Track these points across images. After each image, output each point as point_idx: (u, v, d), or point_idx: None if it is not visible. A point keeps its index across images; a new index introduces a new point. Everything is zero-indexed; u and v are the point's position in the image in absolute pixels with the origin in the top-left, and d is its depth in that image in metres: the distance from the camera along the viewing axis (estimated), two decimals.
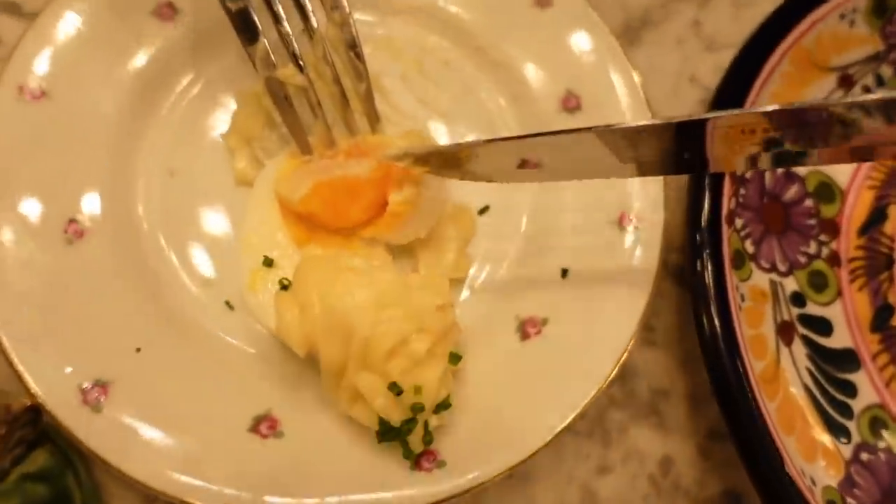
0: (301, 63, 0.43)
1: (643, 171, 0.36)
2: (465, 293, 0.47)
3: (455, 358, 0.41)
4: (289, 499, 0.38)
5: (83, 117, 0.45)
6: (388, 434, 0.39)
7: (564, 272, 0.46)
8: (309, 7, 0.44)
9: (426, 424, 0.40)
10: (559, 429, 0.41)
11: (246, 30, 0.42)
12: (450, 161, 0.41)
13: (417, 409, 0.39)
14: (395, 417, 0.39)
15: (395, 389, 0.38)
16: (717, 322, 0.42)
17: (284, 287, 0.41)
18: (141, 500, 0.43)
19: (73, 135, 0.44)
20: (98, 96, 0.45)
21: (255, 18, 0.42)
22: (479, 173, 0.40)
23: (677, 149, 0.34)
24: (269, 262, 0.43)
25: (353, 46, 0.45)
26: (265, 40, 0.42)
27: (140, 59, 0.47)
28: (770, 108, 0.31)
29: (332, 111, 0.46)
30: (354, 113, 0.47)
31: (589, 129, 0.35)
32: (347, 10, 0.45)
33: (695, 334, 0.49)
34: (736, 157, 0.33)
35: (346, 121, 0.46)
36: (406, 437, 0.39)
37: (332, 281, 0.39)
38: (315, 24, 0.44)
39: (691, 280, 0.43)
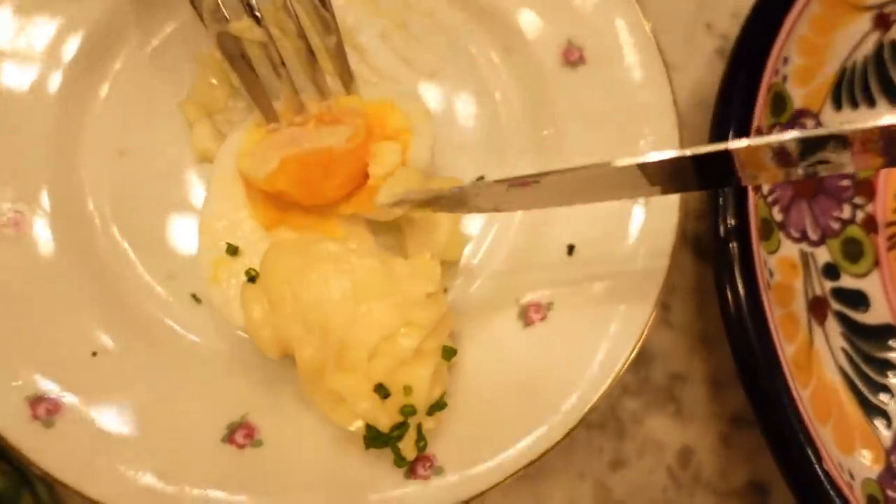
0: (258, 14, 0.37)
1: (667, 191, 0.32)
2: (459, 277, 0.42)
3: (449, 352, 0.36)
4: None
5: (16, 96, 0.39)
6: (377, 440, 0.35)
7: (570, 249, 0.41)
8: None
9: (419, 428, 0.36)
10: (570, 427, 0.37)
11: None
12: (454, 202, 0.36)
13: (408, 411, 0.35)
14: (384, 422, 0.35)
15: (382, 392, 0.34)
16: (743, 303, 0.37)
17: (252, 279, 0.36)
18: None
19: (4, 116, 0.39)
20: (32, 71, 0.39)
21: None
22: (487, 207, 0.36)
23: (704, 172, 0.30)
24: (233, 251, 0.37)
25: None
26: None
27: (77, 23, 0.40)
28: (796, 134, 0.27)
29: (298, 71, 0.40)
30: (325, 72, 0.41)
31: (607, 164, 0.31)
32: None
33: (714, 311, 0.45)
34: (769, 172, 0.29)
35: (316, 81, 0.41)
36: (397, 442, 0.35)
37: (304, 270, 0.34)
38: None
39: (714, 254, 0.38)
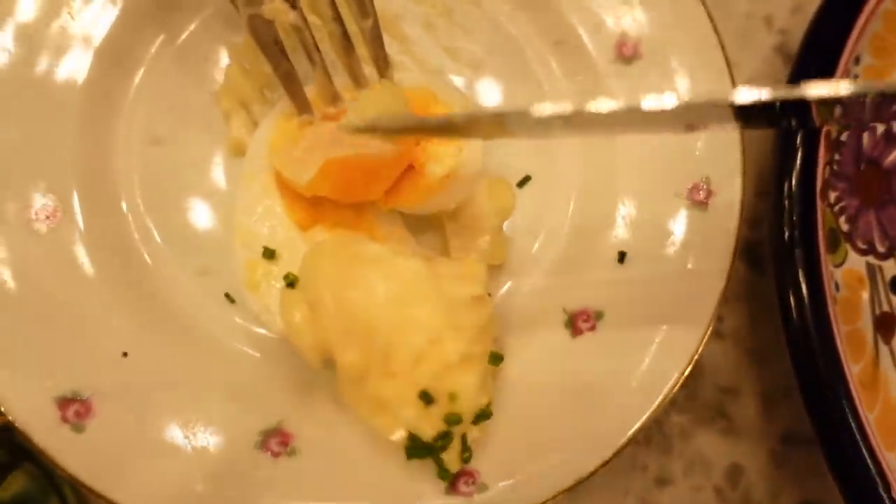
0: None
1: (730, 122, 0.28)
2: (504, 282, 0.40)
3: (496, 358, 0.35)
4: None
5: (47, 86, 0.37)
6: (420, 450, 0.33)
7: (622, 256, 0.39)
8: None
9: (464, 438, 0.34)
10: (619, 447, 0.35)
11: None
12: (445, 129, 0.32)
13: (453, 420, 0.33)
14: (428, 431, 0.33)
15: (427, 399, 0.32)
16: (808, 314, 0.35)
17: (290, 284, 0.34)
18: None
19: (36, 106, 0.37)
20: (64, 60, 0.38)
21: None
22: (494, 134, 0.30)
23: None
24: (269, 254, 0.35)
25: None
26: None
27: (110, 9, 0.38)
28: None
29: (333, 57, 0.38)
30: (360, 59, 0.39)
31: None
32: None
33: (767, 324, 0.43)
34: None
35: (351, 68, 0.38)
36: (440, 453, 0.33)
37: (346, 274, 0.33)
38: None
39: (775, 261, 0.36)
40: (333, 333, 0.33)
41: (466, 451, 0.34)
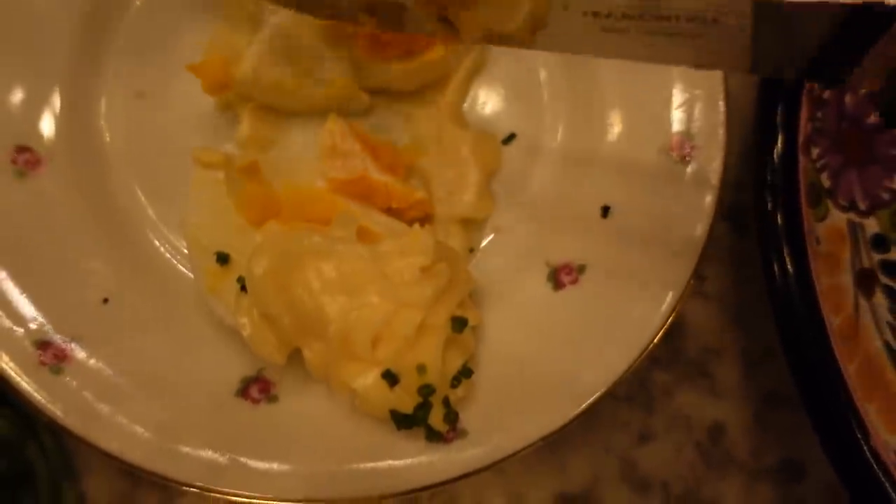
0: None
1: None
2: (487, 236, 0.40)
3: (459, 324, 0.34)
4: (276, 464, 0.33)
5: (32, 27, 0.38)
6: (405, 422, 0.33)
7: (605, 210, 0.39)
8: None
9: (447, 401, 0.34)
10: (598, 394, 0.35)
11: None
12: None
13: (427, 391, 0.33)
14: (405, 406, 0.33)
15: (391, 378, 0.33)
16: (790, 268, 0.35)
17: (244, 287, 0.34)
18: (119, 471, 0.38)
19: (21, 53, 0.37)
20: (50, 11, 0.38)
21: None
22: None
23: None
24: (223, 259, 0.35)
25: None
26: None
27: None
28: None
29: None
30: None
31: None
32: None
33: (751, 284, 0.43)
34: None
35: None
36: (425, 420, 0.33)
37: (290, 272, 0.33)
38: None
39: (758, 218, 0.36)
40: (291, 330, 0.33)
41: (451, 413, 0.34)
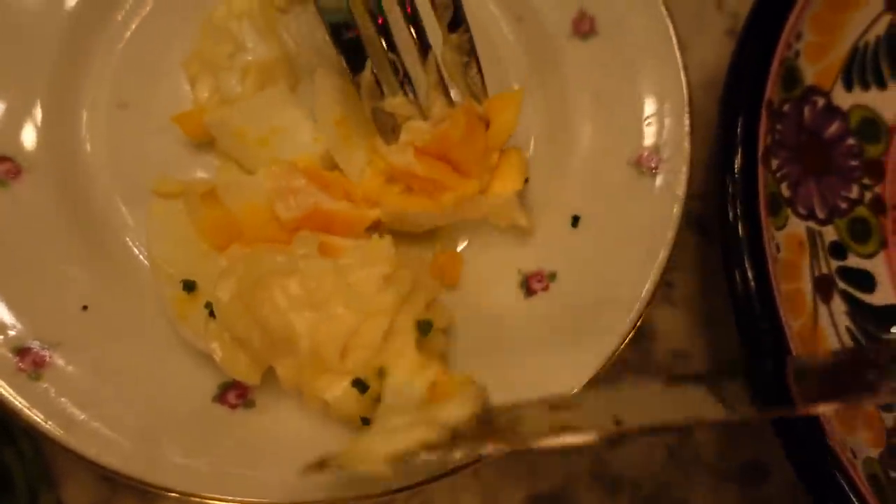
0: (412, 92, 0.37)
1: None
2: (462, 243, 0.41)
3: (425, 327, 0.35)
4: (254, 468, 0.34)
5: (14, 38, 0.38)
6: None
7: (575, 220, 0.40)
8: (423, 26, 0.37)
9: None
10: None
11: (353, 57, 0.36)
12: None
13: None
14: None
15: (360, 386, 0.33)
16: (751, 275, 0.36)
17: (212, 313, 0.34)
18: (97, 477, 0.38)
19: (2, 57, 0.38)
20: (32, 16, 0.39)
21: (363, 44, 0.36)
22: None
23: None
24: (190, 286, 0.35)
25: (473, 68, 0.38)
26: (372, 68, 0.36)
27: None
28: None
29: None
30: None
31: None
32: (468, 29, 0.37)
33: (718, 291, 0.44)
34: None
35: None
36: None
37: (258, 291, 0.33)
38: (429, 46, 0.37)
39: (721, 227, 0.38)
40: (262, 350, 0.33)
41: None
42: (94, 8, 0.40)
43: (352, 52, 0.36)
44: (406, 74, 0.37)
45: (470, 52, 0.38)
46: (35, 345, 0.35)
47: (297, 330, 0.33)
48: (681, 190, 0.40)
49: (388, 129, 0.38)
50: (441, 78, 0.38)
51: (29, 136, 0.38)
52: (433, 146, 0.36)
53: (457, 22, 0.37)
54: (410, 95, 0.38)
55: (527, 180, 0.40)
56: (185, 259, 0.35)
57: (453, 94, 0.39)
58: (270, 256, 0.34)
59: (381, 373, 0.33)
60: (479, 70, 0.39)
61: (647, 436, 0.42)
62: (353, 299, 0.33)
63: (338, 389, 0.33)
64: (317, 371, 0.33)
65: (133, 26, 0.42)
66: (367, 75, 0.36)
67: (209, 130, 0.39)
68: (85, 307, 0.36)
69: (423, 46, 0.37)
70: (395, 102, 0.37)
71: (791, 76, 0.41)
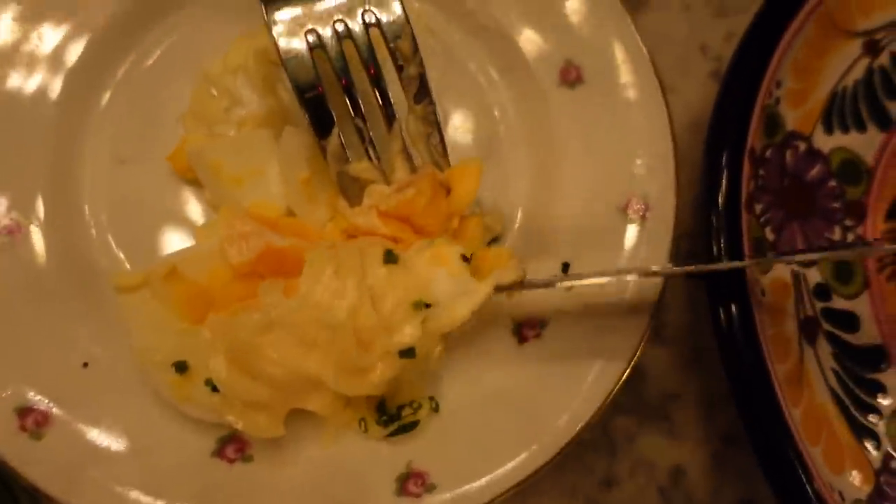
0: (376, 157, 0.39)
1: None
2: None
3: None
4: None
5: (17, 101, 0.39)
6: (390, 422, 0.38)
7: (565, 267, 0.41)
8: (389, 96, 0.38)
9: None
10: (563, 445, 0.37)
11: (320, 122, 0.37)
12: None
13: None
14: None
15: (409, 354, 0.34)
16: (736, 320, 0.37)
17: (215, 388, 0.35)
18: None
19: (3, 124, 0.39)
20: (35, 77, 0.40)
21: (330, 109, 0.37)
22: None
23: None
24: (182, 368, 0.35)
25: (436, 137, 0.40)
26: (339, 133, 0.37)
27: (81, 30, 0.41)
28: None
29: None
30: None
31: None
32: (433, 101, 0.39)
33: (707, 330, 0.45)
34: None
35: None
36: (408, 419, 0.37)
37: (250, 355, 0.34)
38: (395, 115, 0.39)
39: (706, 273, 0.39)
40: (279, 402, 0.35)
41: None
42: (93, 67, 0.41)
43: (319, 116, 0.37)
44: (371, 140, 0.38)
45: (434, 123, 0.40)
46: (36, 404, 0.35)
47: (308, 367, 0.34)
48: (667, 237, 0.41)
49: (352, 192, 0.39)
50: (405, 145, 0.39)
51: (29, 196, 0.39)
52: (396, 211, 0.38)
53: (422, 94, 0.39)
54: (375, 161, 0.39)
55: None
56: (168, 342, 0.35)
57: (415, 158, 0.40)
58: (246, 318, 0.34)
59: (418, 305, 0.34)
60: (442, 140, 0.40)
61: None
62: (341, 327, 0.34)
63: (387, 371, 0.34)
64: (355, 378, 0.34)
65: (131, 82, 0.42)
66: (333, 140, 0.38)
67: (189, 161, 0.40)
68: (85, 364, 0.37)
69: (389, 115, 0.38)
70: (361, 167, 0.38)
71: (772, 122, 0.42)
